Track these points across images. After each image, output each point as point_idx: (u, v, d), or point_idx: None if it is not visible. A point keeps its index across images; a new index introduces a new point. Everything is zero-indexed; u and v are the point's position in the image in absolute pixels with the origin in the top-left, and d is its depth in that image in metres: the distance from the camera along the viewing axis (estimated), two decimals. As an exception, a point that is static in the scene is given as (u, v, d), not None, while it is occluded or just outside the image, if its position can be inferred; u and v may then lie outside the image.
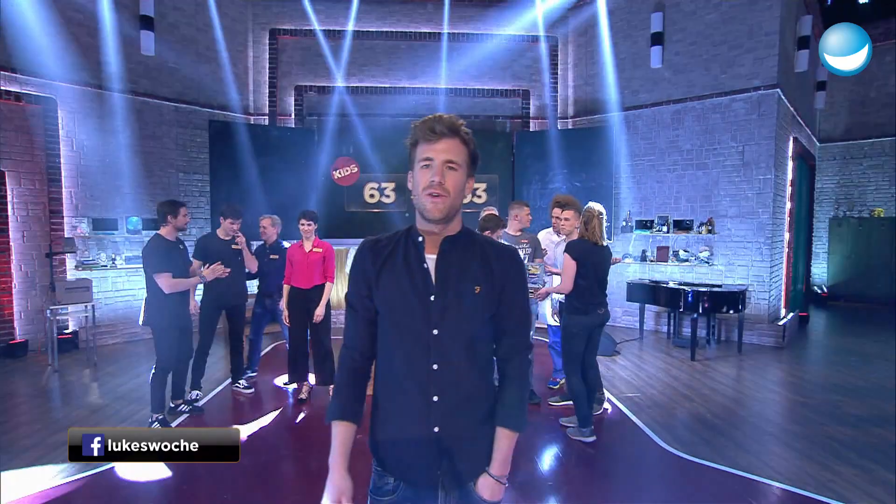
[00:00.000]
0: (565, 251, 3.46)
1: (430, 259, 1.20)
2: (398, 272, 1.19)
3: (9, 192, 5.43)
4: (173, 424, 3.69)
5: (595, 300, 3.44)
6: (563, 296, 3.57)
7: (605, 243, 3.48)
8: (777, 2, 6.21)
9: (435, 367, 1.15)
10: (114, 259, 6.26)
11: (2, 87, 5.32)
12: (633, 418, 3.87)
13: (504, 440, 1.22)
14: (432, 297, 1.16)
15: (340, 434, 1.19)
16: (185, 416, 3.84)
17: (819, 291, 9.77)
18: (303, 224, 4.04)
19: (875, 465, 3.07)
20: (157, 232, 3.63)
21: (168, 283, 3.44)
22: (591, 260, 3.39)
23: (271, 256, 4.43)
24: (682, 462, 3.16)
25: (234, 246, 4.17)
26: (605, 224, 3.49)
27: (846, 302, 9.46)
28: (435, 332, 1.15)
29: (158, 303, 3.50)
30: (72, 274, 5.86)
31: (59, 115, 5.74)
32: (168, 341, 3.54)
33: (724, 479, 2.94)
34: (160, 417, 3.56)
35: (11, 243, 5.48)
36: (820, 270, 10.02)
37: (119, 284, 6.34)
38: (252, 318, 4.56)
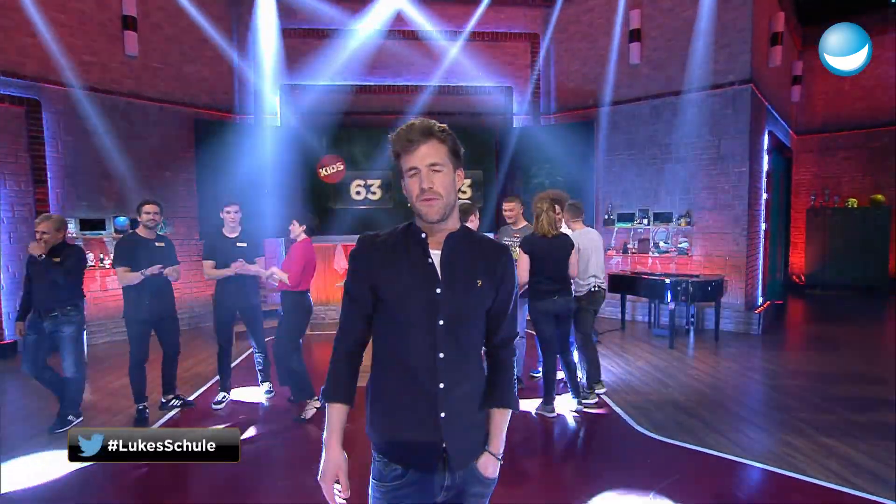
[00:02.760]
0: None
1: (435, 254, 1.26)
2: (404, 267, 1.24)
3: (-6, 194, 5.46)
4: (164, 418, 3.79)
5: (548, 289, 3.62)
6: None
7: (558, 233, 3.61)
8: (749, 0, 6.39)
9: (441, 355, 1.22)
10: (102, 259, 6.30)
11: (-15, 90, 5.34)
12: (611, 403, 4.04)
13: (500, 419, 1.33)
14: (438, 290, 1.22)
15: (336, 414, 1.26)
16: (176, 409, 3.94)
17: (797, 280, 10.06)
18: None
19: (833, 441, 3.26)
20: (135, 230, 3.79)
21: (122, 277, 3.61)
22: (540, 253, 3.58)
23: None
24: (653, 442, 3.33)
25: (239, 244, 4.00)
26: (559, 214, 3.69)
27: (823, 290, 9.75)
28: (441, 322, 1.22)
29: (126, 296, 3.69)
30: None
31: (42, 116, 5.76)
32: (133, 334, 3.70)
33: (691, 457, 3.12)
34: (139, 407, 3.73)
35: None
36: (798, 259, 10.30)
37: (108, 284, 6.38)
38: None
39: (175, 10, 6.86)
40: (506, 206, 4.40)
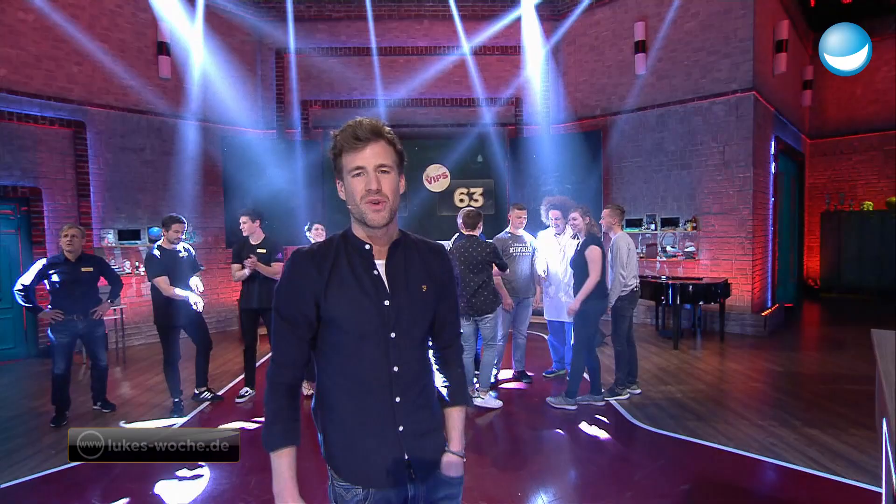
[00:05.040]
0: (595, 244, 3.94)
1: (379, 264, 1.20)
2: (348, 281, 1.17)
3: (45, 208, 5.98)
4: (197, 410, 4.17)
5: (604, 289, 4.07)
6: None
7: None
8: (750, 10, 6.58)
9: (395, 368, 1.18)
10: (137, 266, 6.80)
11: (39, 114, 5.90)
12: (611, 400, 4.26)
13: (457, 418, 1.31)
14: (386, 303, 1.17)
15: (287, 460, 1.15)
16: (207, 402, 4.33)
17: (812, 284, 10.03)
18: (317, 229, 4.49)
19: (815, 431, 3.44)
20: (158, 242, 4.21)
21: (164, 286, 4.01)
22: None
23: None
24: (647, 433, 3.56)
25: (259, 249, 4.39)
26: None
27: (839, 294, 9.71)
28: (392, 335, 1.17)
29: (155, 303, 4.11)
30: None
31: (87, 136, 6.30)
32: (164, 337, 4.12)
33: (678, 445, 3.33)
34: (175, 400, 4.14)
35: (47, 254, 6.02)
36: (813, 263, 10.27)
37: (143, 290, 6.87)
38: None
39: (205, 34, 7.38)
40: (521, 213, 4.68)
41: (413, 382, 1.21)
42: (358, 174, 1.15)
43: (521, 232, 4.72)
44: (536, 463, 3.23)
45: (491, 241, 4.23)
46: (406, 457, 1.19)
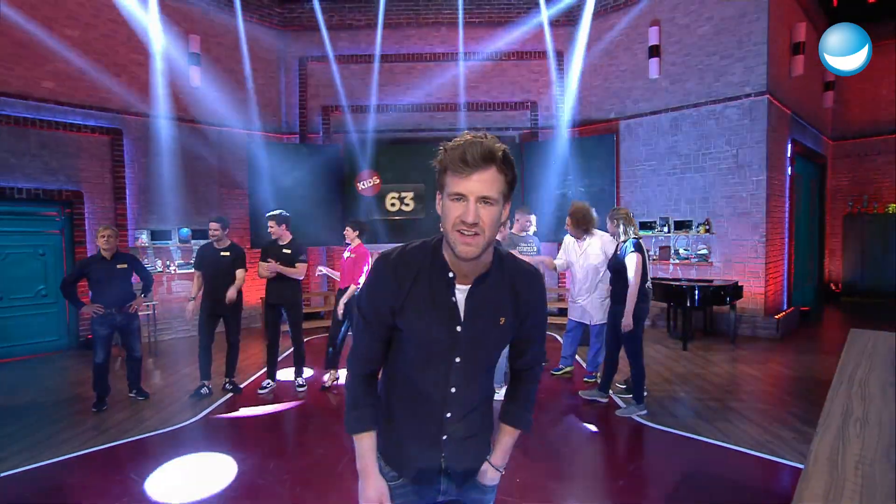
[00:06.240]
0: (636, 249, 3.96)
1: (461, 289, 1.16)
2: (425, 302, 1.15)
3: (86, 210, 6.42)
4: (222, 399, 4.48)
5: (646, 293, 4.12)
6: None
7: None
8: (764, 13, 6.60)
9: (453, 390, 1.20)
10: (168, 265, 7.20)
11: (82, 123, 6.35)
12: (615, 397, 4.40)
13: (509, 436, 1.33)
14: (458, 329, 1.16)
15: (368, 442, 1.24)
16: (230, 394, 4.65)
17: (833, 288, 9.89)
18: (347, 231, 4.77)
19: (813, 430, 3.51)
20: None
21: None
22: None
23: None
24: (646, 429, 3.70)
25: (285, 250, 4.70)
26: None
27: (861, 297, 9.56)
28: (458, 360, 1.18)
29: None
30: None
31: (124, 142, 6.73)
32: (201, 323, 4.60)
33: (678, 441, 3.47)
34: (202, 384, 4.59)
35: (87, 254, 6.45)
36: (835, 267, 10.12)
37: (174, 287, 7.27)
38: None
39: (232, 43, 7.78)
40: (529, 218, 4.91)
41: (467, 402, 1.24)
42: (457, 200, 1.05)
43: (528, 234, 4.91)
44: (538, 454, 3.41)
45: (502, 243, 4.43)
46: (443, 464, 1.25)
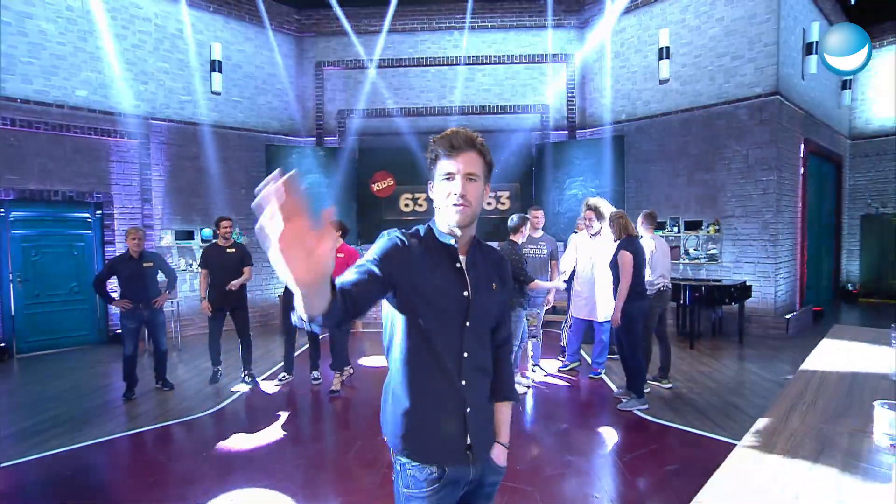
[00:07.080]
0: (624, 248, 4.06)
1: (461, 259, 1.32)
2: (434, 271, 1.27)
3: (115, 211, 6.78)
4: (240, 392, 4.74)
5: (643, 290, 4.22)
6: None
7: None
8: (775, 14, 6.62)
9: (465, 355, 1.29)
10: (191, 264, 7.53)
11: (112, 128, 6.71)
12: (611, 384, 4.53)
13: (507, 412, 1.43)
14: (466, 294, 1.29)
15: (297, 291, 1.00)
16: (247, 385, 4.92)
17: (850, 288, 9.78)
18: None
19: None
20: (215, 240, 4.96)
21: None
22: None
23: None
24: (645, 422, 3.82)
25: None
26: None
27: (879, 299, 9.44)
28: (468, 324, 1.29)
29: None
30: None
31: (150, 147, 7.07)
32: (211, 317, 4.90)
33: (673, 433, 3.58)
34: (214, 369, 5.03)
35: (116, 253, 6.81)
36: (853, 268, 10.00)
37: (195, 285, 7.60)
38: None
39: (252, 50, 8.09)
40: (537, 213, 4.97)
41: (478, 369, 1.33)
42: (448, 178, 1.26)
43: (539, 233, 5.01)
44: (536, 447, 3.57)
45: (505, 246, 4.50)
46: (469, 440, 1.29)
